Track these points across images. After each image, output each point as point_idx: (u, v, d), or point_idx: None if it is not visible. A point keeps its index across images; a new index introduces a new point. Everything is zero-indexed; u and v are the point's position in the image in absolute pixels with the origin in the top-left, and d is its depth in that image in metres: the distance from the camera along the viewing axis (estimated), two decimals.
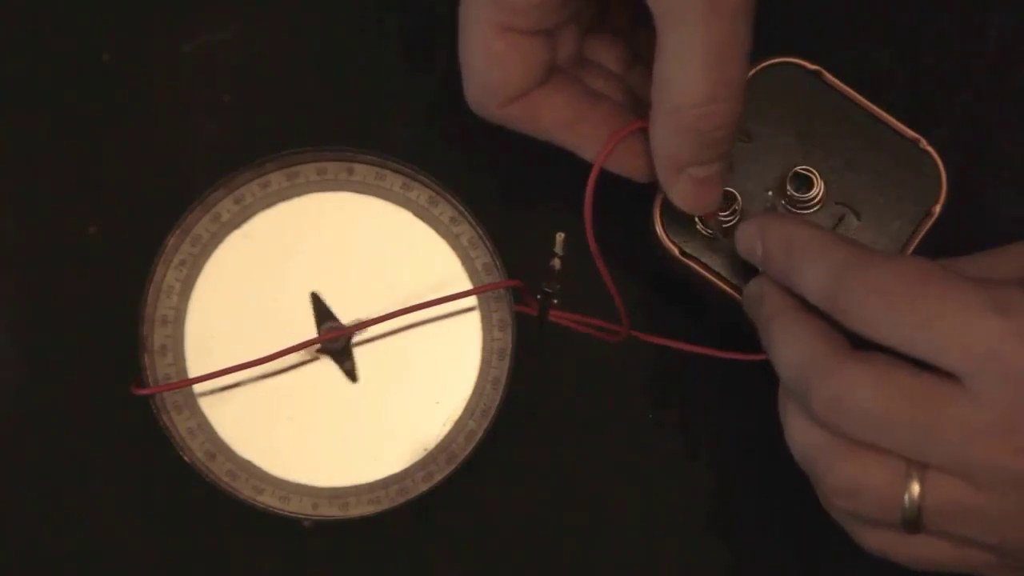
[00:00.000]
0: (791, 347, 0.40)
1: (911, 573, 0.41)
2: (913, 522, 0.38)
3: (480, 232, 0.49)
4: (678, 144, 0.42)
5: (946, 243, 0.45)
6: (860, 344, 0.39)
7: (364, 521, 0.48)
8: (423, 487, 0.48)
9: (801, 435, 0.40)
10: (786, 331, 0.41)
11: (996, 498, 0.37)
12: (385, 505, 0.48)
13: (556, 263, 0.44)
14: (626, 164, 0.45)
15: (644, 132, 0.44)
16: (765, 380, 0.50)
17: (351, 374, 0.49)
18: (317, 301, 0.49)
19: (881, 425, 0.37)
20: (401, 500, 0.48)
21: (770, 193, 0.46)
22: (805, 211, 0.46)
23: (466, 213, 0.49)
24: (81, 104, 0.52)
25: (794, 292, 0.41)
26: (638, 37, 0.47)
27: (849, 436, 0.38)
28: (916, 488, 0.38)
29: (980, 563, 0.39)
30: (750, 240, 0.43)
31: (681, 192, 0.43)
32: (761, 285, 0.43)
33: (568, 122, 0.44)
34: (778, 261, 0.42)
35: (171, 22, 0.52)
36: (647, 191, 0.47)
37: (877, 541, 0.40)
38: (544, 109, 0.44)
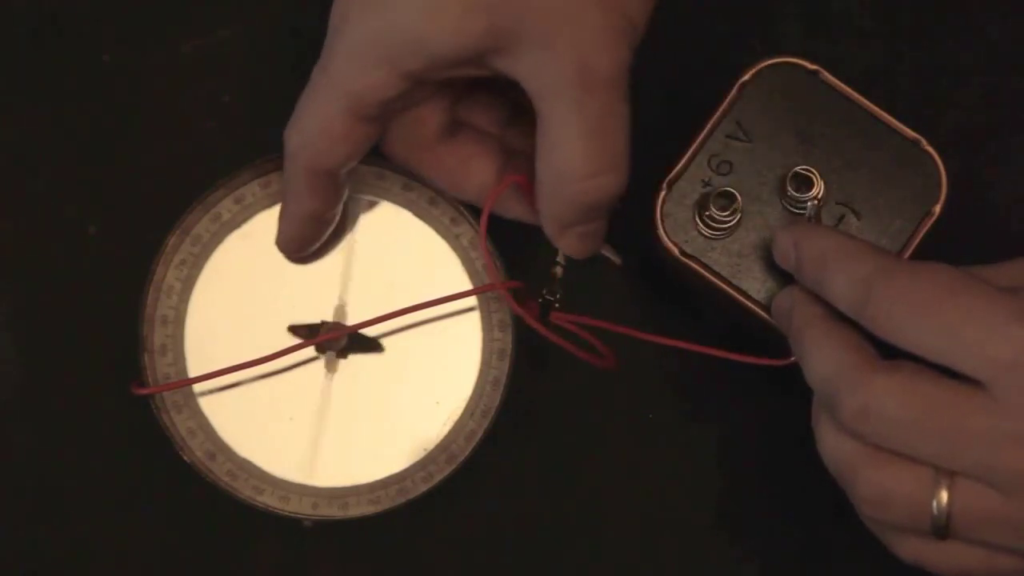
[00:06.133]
0: (819, 359, 0.41)
1: (918, 571, 0.41)
2: (942, 530, 0.38)
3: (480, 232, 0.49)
4: (563, 210, 0.43)
5: (946, 243, 0.45)
6: (889, 352, 0.39)
7: (364, 521, 0.48)
8: (423, 487, 0.48)
9: (832, 445, 0.40)
10: (815, 342, 0.41)
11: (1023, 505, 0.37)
12: (385, 505, 0.48)
13: (558, 271, 0.45)
14: (513, 211, 0.47)
15: (520, 185, 0.45)
16: (766, 380, 0.50)
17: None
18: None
19: (908, 434, 0.38)
20: (401, 500, 0.48)
21: (813, 203, 0.46)
22: (801, 211, 0.46)
23: (466, 213, 0.49)
24: (81, 104, 0.52)
25: (824, 301, 0.42)
26: (518, 94, 0.47)
27: (878, 445, 0.39)
28: (944, 496, 0.38)
29: (1013, 569, 0.39)
30: (785, 248, 0.44)
31: (567, 245, 0.45)
32: (791, 296, 0.44)
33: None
34: (811, 270, 0.42)
35: (171, 22, 0.52)
36: (647, 192, 0.47)
37: (910, 550, 0.40)
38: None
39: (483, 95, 0.47)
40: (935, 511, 0.38)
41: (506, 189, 0.45)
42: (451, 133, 0.46)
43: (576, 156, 0.41)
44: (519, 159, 0.46)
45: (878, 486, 0.39)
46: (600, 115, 0.41)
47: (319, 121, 0.43)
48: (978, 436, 0.37)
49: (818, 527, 0.51)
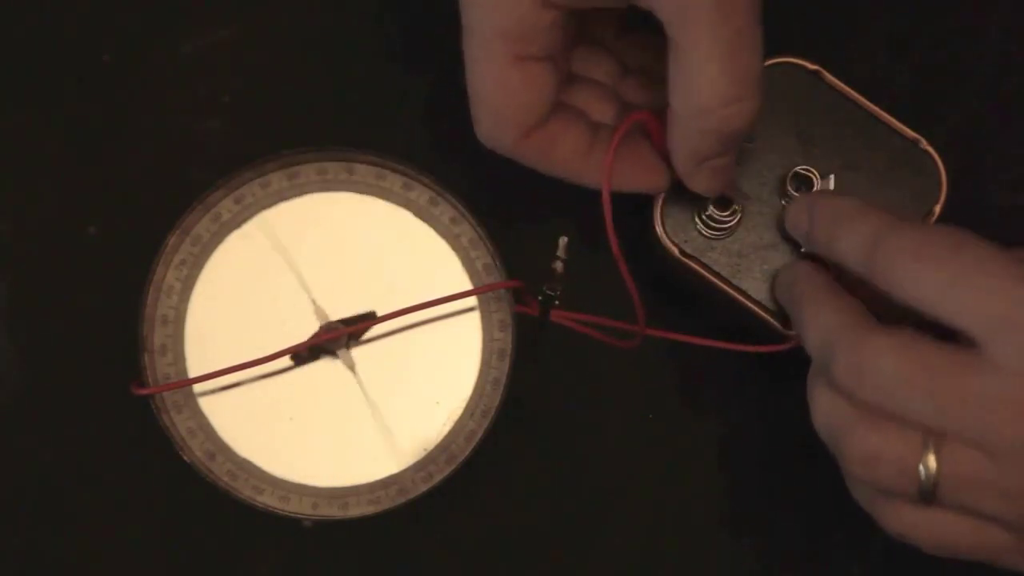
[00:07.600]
0: (818, 322, 0.41)
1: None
2: (929, 494, 0.38)
3: (480, 232, 0.49)
4: (700, 143, 0.42)
5: None
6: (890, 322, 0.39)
7: (364, 521, 0.48)
8: (423, 487, 0.48)
9: (824, 406, 0.40)
10: (814, 309, 0.42)
11: (1013, 470, 0.37)
12: (385, 505, 0.48)
13: (558, 266, 0.44)
14: (634, 180, 0.46)
15: (645, 133, 0.44)
16: (766, 380, 0.50)
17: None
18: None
19: (900, 394, 0.38)
20: (401, 500, 0.48)
21: (832, 176, 0.46)
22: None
23: (466, 213, 0.49)
24: (81, 104, 0.52)
25: (826, 273, 0.42)
26: (625, 48, 0.47)
27: (870, 405, 0.39)
28: (933, 459, 0.38)
29: (999, 545, 0.39)
30: (798, 214, 0.44)
31: (699, 181, 0.44)
32: (793, 271, 0.44)
33: (582, 152, 0.45)
34: (822, 230, 0.43)
35: (171, 22, 0.52)
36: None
37: (897, 519, 0.40)
38: (558, 141, 0.44)
39: (594, 51, 0.47)
40: (923, 474, 0.38)
41: (633, 125, 0.44)
42: (568, 82, 0.46)
43: (714, 83, 0.40)
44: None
45: (867, 445, 0.39)
46: (736, 39, 0.40)
47: (491, 82, 0.43)
48: (971, 399, 0.37)
49: (819, 525, 0.51)
